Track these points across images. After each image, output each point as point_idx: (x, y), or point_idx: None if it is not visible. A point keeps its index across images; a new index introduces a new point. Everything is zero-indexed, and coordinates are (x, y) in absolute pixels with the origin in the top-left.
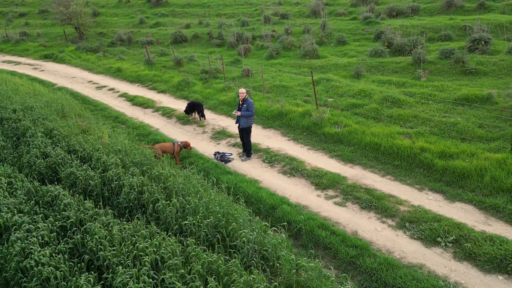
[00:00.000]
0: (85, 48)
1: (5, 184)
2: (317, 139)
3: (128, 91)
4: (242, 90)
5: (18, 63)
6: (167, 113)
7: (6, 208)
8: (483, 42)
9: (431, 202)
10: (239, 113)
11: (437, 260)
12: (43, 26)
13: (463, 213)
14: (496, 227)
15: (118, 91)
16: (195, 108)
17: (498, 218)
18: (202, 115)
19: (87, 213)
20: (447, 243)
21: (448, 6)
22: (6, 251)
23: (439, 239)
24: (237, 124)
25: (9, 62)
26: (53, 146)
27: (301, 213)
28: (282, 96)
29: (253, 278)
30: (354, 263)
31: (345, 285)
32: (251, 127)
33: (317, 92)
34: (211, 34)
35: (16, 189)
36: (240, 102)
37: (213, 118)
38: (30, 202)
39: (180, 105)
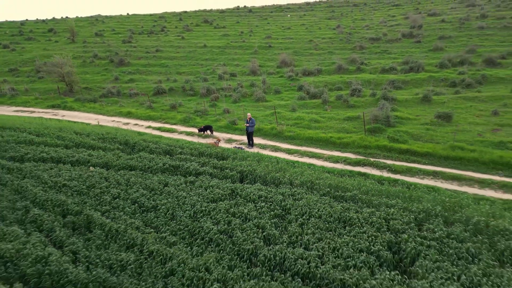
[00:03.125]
0: (84, 99)
1: None
2: (282, 139)
3: (149, 125)
4: (249, 114)
5: (32, 111)
6: (188, 134)
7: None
8: (357, 91)
9: (332, 152)
10: (247, 125)
11: (320, 163)
12: (20, 82)
13: (340, 165)
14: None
15: (142, 125)
16: (207, 128)
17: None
18: (211, 132)
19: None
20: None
21: (339, 69)
22: None
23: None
24: (246, 130)
25: (22, 111)
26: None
27: (285, 161)
28: (256, 121)
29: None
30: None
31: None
32: (253, 132)
33: (274, 118)
34: (185, 87)
35: None
36: (248, 119)
37: (220, 134)
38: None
39: (192, 130)
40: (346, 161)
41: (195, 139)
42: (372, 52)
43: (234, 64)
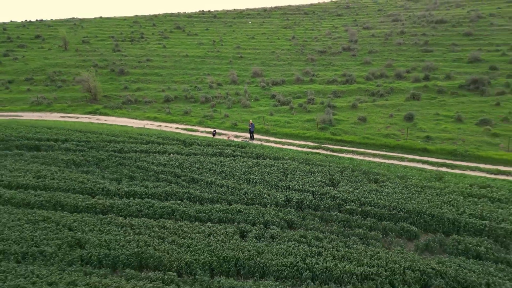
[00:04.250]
0: (112, 106)
1: None
2: (269, 135)
3: (177, 126)
4: (250, 121)
5: (77, 117)
6: (208, 132)
7: None
8: (312, 99)
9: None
10: (250, 127)
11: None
12: (43, 91)
13: (305, 149)
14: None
15: (171, 127)
16: (215, 132)
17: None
18: (214, 134)
19: None
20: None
21: (297, 80)
22: None
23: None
24: (249, 130)
25: (68, 117)
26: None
27: (276, 148)
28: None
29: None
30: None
31: None
32: (254, 131)
33: (261, 121)
34: (186, 96)
35: None
36: (250, 124)
37: (228, 132)
38: None
39: (208, 129)
40: (309, 146)
41: (212, 136)
42: (321, 64)
43: (216, 73)
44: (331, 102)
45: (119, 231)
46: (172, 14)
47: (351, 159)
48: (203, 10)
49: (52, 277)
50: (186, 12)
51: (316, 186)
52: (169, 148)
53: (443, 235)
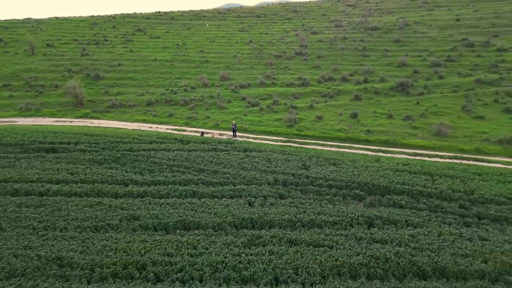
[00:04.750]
0: (100, 110)
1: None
2: (247, 132)
3: (167, 127)
4: (233, 122)
5: (71, 121)
6: (196, 132)
7: None
8: (277, 101)
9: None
10: (233, 126)
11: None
12: (25, 97)
13: (279, 143)
14: None
15: (162, 128)
16: (203, 132)
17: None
18: (203, 134)
19: None
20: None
21: (261, 83)
22: None
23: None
24: (232, 129)
25: (62, 121)
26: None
27: (257, 143)
28: (227, 123)
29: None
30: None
31: None
32: (236, 130)
33: (239, 120)
34: (166, 99)
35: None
36: (233, 123)
37: (212, 131)
38: None
39: (196, 129)
40: (281, 141)
41: (200, 134)
42: (278, 68)
43: (187, 77)
44: (293, 103)
45: (160, 208)
46: (129, 15)
47: (315, 149)
48: (160, 12)
49: (127, 238)
50: (143, 12)
51: (294, 170)
52: (171, 146)
53: (380, 196)
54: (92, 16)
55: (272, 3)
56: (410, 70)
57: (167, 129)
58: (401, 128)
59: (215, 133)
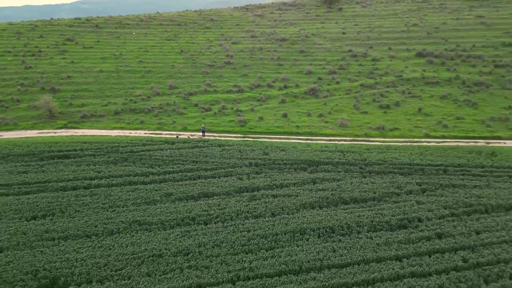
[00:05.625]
0: (75, 121)
1: None
2: (211, 132)
3: (144, 132)
4: (202, 125)
5: (55, 132)
6: (171, 135)
7: None
8: (224, 106)
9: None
10: (202, 128)
11: None
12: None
13: (237, 139)
14: None
15: (141, 133)
16: (177, 135)
17: None
18: (178, 136)
19: None
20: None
21: (205, 91)
22: None
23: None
24: (202, 131)
25: (47, 133)
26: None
27: (221, 140)
28: (191, 126)
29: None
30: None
31: None
32: (205, 131)
33: (202, 122)
34: (131, 108)
35: None
36: (202, 125)
37: (185, 133)
38: None
39: (171, 132)
40: (240, 137)
41: (176, 136)
42: (214, 76)
43: (138, 87)
44: (238, 107)
45: (182, 186)
46: (51, 23)
47: (266, 141)
48: (79, 18)
49: (172, 206)
50: (60, 18)
51: (259, 156)
52: (162, 147)
53: (315, 166)
54: (10, 23)
55: (186, 10)
56: (316, 77)
57: (145, 133)
58: (317, 122)
59: (187, 135)
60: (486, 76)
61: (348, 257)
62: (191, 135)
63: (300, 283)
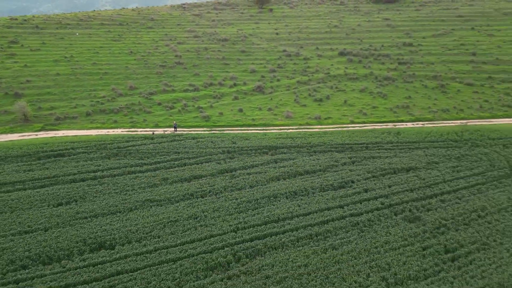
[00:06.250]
0: (51, 124)
1: None
2: (181, 127)
3: (122, 131)
4: (174, 121)
5: (36, 134)
6: (148, 132)
7: None
8: (185, 104)
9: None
10: (174, 124)
11: None
12: None
13: (205, 132)
14: None
15: (118, 131)
16: (153, 131)
17: None
18: (153, 133)
19: None
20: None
21: (163, 90)
22: None
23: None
24: (174, 127)
25: (23, 136)
26: None
27: (193, 133)
28: (161, 123)
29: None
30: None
31: None
32: (176, 126)
33: (170, 119)
34: (100, 109)
35: None
36: (174, 122)
37: (159, 130)
38: None
39: (145, 129)
40: (208, 130)
41: (151, 133)
42: (168, 76)
43: (99, 89)
44: (198, 104)
45: (174, 172)
46: None
47: (230, 133)
48: (16, 18)
49: (172, 187)
50: None
51: (229, 145)
52: (144, 142)
53: (274, 150)
54: None
55: (123, 8)
56: (259, 75)
57: (122, 131)
58: (268, 115)
59: (161, 131)
60: (392, 72)
61: (308, 209)
62: (164, 131)
63: (280, 227)
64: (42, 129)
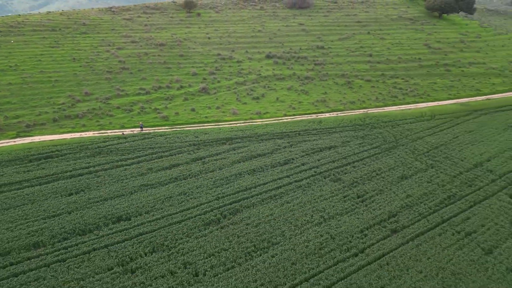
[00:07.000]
0: (23, 130)
1: None
2: (148, 127)
3: (93, 133)
4: (140, 122)
5: (14, 141)
6: (119, 132)
7: None
8: (143, 107)
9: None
10: (140, 124)
11: None
12: None
13: (169, 131)
14: None
15: (89, 134)
16: (123, 131)
17: None
18: (123, 133)
19: None
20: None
21: (117, 95)
22: None
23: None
24: (140, 127)
25: (8, 142)
26: None
27: (165, 131)
28: (128, 124)
29: None
30: None
31: None
32: (143, 126)
33: (134, 120)
34: (65, 115)
35: None
36: (140, 123)
37: (127, 130)
38: None
39: (114, 131)
40: (168, 129)
41: (121, 133)
42: (117, 81)
43: (56, 96)
44: (154, 106)
45: (155, 163)
46: None
47: (190, 130)
48: None
49: (167, 174)
50: None
51: (193, 139)
52: (120, 141)
53: (231, 141)
54: None
55: (49, 12)
56: (201, 77)
57: (93, 134)
58: (218, 113)
59: (129, 131)
60: (310, 72)
61: (265, 180)
62: (131, 131)
63: (249, 194)
64: (17, 136)
